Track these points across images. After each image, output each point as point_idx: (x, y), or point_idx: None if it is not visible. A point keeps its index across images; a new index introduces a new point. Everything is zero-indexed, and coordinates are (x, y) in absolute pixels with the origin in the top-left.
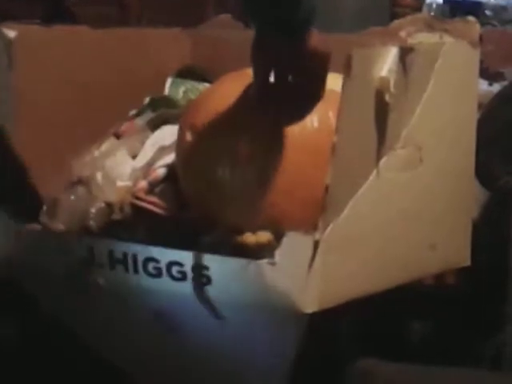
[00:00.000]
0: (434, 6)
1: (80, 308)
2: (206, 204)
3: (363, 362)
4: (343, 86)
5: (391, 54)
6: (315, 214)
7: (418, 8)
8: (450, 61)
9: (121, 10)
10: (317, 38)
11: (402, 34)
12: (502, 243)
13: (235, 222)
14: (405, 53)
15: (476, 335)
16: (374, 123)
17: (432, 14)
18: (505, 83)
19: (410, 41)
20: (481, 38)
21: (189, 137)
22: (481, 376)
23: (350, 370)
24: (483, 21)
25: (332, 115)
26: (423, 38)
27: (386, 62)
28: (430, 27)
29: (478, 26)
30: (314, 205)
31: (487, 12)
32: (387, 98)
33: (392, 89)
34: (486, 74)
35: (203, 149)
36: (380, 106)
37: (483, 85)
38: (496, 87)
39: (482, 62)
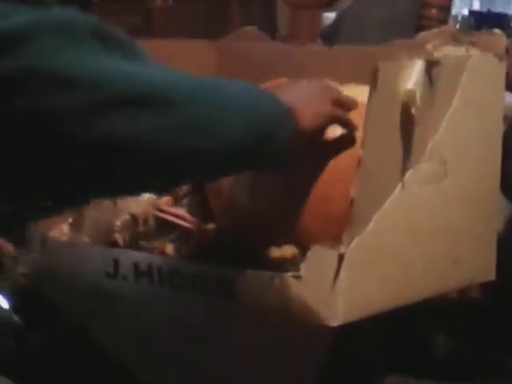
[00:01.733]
0: (460, 18)
1: (104, 319)
2: (231, 216)
3: (389, 380)
4: (369, 99)
5: (417, 66)
6: (335, 227)
7: (444, 20)
8: (476, 74)
9: (146, 21)
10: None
11: (428, 46)
12: None
13: (258, 234)
14: (431, 66)
15: (500, 349)
16: (399, 136)
17: (457, 26)
18: None
19: (436, 54)
20: (507, 51)
21: None
22: None
23: None
24: (509, 33)
25: None
26: (449, 51)
27: (412, 75)
28: (456, 40)
29: (504, 39)
30: (333, 220)
31: None
32: (413, 110)
33: (418, 102)
34: None
35: None
36: (406, 119)
37: (509, 97)
38: None
39: (508, 74)
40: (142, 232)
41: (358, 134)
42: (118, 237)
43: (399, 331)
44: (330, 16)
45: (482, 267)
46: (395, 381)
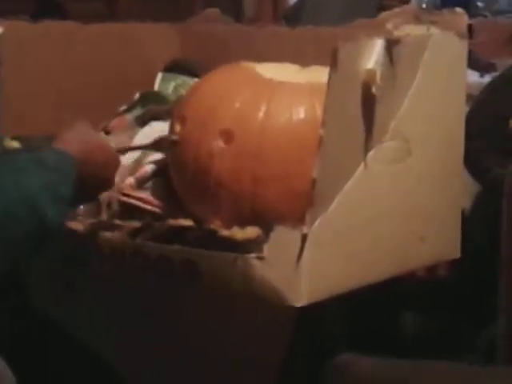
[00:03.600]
0: None
1: (67, 303)
2: (193, 196)
3: (341, 357)
4: (329, 79)
5: (378, 46)
6: (301, 205)
7: (405, 1)
8: (437, 52)
9: (110, 5)
10: None
11: (389, 26)
12: (493, 235)
13: (221, 212)
14: (391, 45)
15: (469, 327)
16: (361, 116)
17: (424, 5)
18: (496, 74)
19: (397, 33)
20: (472, 29)
21: (178, 128)
22: (456, 369)
23: (328, 365)
24: (475, 12)
25: (318, 108)
26: (410, 30)
27: (373, 55)
28: (417, 19)
29: (465, 18)
30: (299, 196)
31: (479, 3)
32: (374, 90)
33: (379, 81)
34: (478, 65)
35: (191, 139)
36: (367, 99)
37: (474, 76)
38: (487, 78)
39: (473, 52)
40: (103, 221)
41: (319, 115)
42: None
43: (367, 310)
44: None
45: (447, 245)
46: (345, 358)
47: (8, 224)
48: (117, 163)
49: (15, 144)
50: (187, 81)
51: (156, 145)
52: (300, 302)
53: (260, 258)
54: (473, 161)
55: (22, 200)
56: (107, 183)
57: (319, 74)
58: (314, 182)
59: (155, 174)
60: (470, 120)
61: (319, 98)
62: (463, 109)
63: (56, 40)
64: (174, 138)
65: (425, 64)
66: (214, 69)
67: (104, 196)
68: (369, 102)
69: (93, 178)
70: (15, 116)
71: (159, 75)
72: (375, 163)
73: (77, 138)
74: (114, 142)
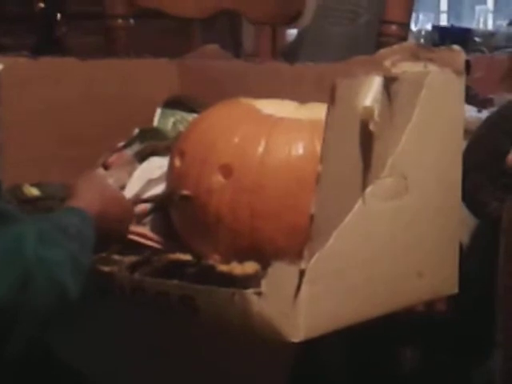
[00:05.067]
0: (423, 33)
1: (67, 335)
2: (192, 231)
3: None
4: (327, 115)
5: (375, 83)
6: (299, 240)
7: (403, 37)
8: (434, 89)
9: (107, 40)
10: None
11: (387, 63)
12: (490, 269)
13: (219, 247)
14: (389, 82)
15: (466, 361)
16: (358, 152)
17: (422, 40)
18: (493, 109)
19: (395, 70)
20: (470, 65)
21: (177, 163)
22: None
23: None
24: (472, 47)
25: (317, 144)
26: (408, 67)
27: (370, 92)
28: (415, 56)
29: (463, 55)
30: (297, 231)
31: (476, 39)
32: (371, 127)
33: (376, 118)
34: (475, 100)
35: (190, 174)
36: (365, 135)
37: (472, 111)
38: (484, 114)
39: (471, 88)
40: (102, 256)
41: (318, 151)
42: None
43: (365, 344)
44: (293, 32)
45: (445, 281)
46: None
47: (26, 294)
48: (131, 215)
49: (34, 191)
50: (186, 117)
51: (167, 198)
52: (297, 337)
53: (258, 294)
54: (470, 195)
55: (42, 272)
56: (121, 235)
57: (318, 111)
58: (311, 217)
59: (154, 210)
60: (467, 155)
61: (318, 134)
62: (461, 144)
63: (55, 76)
64: (185, 192)
65: (422, 101)
66: (213, 104)
67: None
68: (367, 139)
69: (108, 231)
70: (14, 154)
71: (158, 111)
72: (373, 199)
73: (93, 192)
74: (113, 177)
